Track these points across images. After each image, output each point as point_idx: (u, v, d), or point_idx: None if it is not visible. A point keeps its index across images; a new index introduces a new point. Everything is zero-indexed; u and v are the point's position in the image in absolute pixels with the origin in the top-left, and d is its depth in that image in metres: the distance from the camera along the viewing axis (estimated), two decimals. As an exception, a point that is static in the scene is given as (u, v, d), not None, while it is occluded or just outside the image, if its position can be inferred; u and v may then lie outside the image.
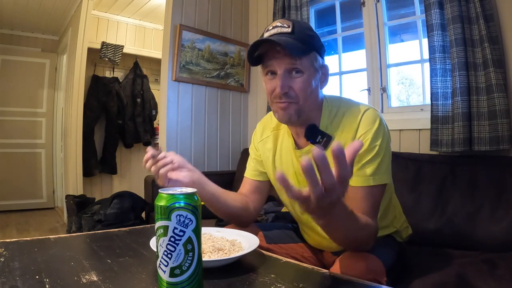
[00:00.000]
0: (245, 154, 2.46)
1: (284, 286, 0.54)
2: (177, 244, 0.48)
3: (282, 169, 0.97)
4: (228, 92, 2.63)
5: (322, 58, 0.89)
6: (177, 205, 0.48)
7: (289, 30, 0.81)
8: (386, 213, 0.96)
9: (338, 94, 2.27)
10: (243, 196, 1.01)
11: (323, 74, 0.89)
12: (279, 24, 0.83)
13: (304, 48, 0.81)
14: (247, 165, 1.07)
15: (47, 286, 0.52)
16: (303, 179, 0.93)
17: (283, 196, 1.02)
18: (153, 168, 0.79)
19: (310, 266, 0.64)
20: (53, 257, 0.67)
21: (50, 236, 0.81)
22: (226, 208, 0.92)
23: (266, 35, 0.83)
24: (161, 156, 0.79)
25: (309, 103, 0.85)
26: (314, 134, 0.87)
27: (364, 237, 0.76)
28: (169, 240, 0.48)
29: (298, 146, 0.93)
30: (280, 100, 0.84)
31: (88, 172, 3.55)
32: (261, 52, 0.84)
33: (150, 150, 0.80)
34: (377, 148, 0.82)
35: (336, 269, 0.73)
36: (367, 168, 0.81)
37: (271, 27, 0.83)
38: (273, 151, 1.00)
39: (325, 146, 0.87)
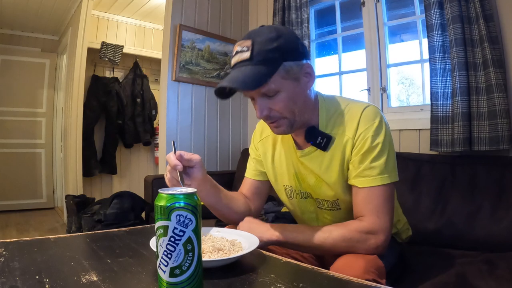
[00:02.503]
0: (245, 154, 2.46)
1: (284, 286, 0.54)
2: (177, 244, 0.48)
3: (282, 170, 0.97)
4: (228, 92, 2.62)
5: (299, 58, 0.80)
6: (177, 205, 0.48)
7: (248, 55, 0.76)
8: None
9: (338, 94, 2.27)
10: (244, 197, 1.01)
11: (306, 73, 0.82)
12: (239, 48, 0.78)
13: (266, 71, 0.75)
14: (248, 165, 1.07)
15: (47, 286, 0.52)
16: (303, 179, 0.94)
17: (283, 196, 1.02)
18: (169, 177, 0.77)
19: (310, 266, 0.64)
20: (53, 257, 0.67)
21: (50, 236, 0.81)
22: (233, 214, 0.94)
23: (232, 62, 0.81)
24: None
25: (299, 112, 0.83)
26: (314, 136, 0.87)
27: (356, 248, 0.77)
28: (169, 240, 0.48)
29: (298, 147, 0.93)
30: (267, 121, 0.84)
31: (88, 172, 3.55)
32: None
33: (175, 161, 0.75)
34: (380, 145, 0.81)
35: (335, 268, 0.73)
36: (373, 167, 0.81)
37: (234, 52, 0.80)
38: (272, 151, 0.99)
39: (326, 146, 0.86)
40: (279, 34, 0.78)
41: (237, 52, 0.79)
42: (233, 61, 0.80)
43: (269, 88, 0.77)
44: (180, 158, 0.75)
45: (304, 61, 0.82)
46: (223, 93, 0.84)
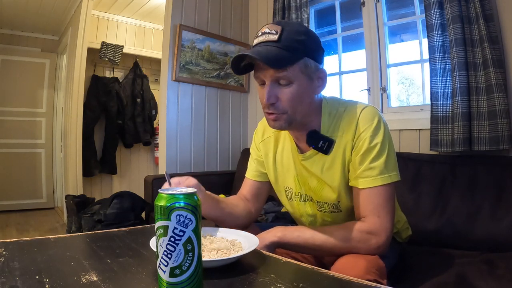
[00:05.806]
0: (245, 154, 2.46)
1: (284, 286, 0.54)
2: (177, 244, 0.48)
3: (283, 171, 0.97)
4: (228, 92, 2.63)
5: (319, 61, 0.83)
6: (177, 205, 0.48)
7: (276, 37, 0.77)
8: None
9: (338, 94, 2.27)
10: (242, 200, 1.01)
11: (319, 78, 0.84)
12: (267, 30, 0.80)
13: (290, 57, 0.77)
14: (248, 165, 1.07)
15: (47, 286, 0.52)
16: (304, 182, 0.94)
17: (283, 198, 1.02)
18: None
19: (310, 266, 0.64)
20: (53, 257, 0.67)
21: (50, 236, 0.81)
22: (235, 220, 0.94)
23: (255, 41, 0.82)
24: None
25: (300, 111, 0.83)
26: (316, 140, 0.86)
27: (358, 248, 0.77)
28: (169, 240, 0.48)
29: (300, 150, 0.92)
30: (268, 111, 0.83)
31: (88, 172, 3.55)
32: (248, 62, 0.83)
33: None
34: (378, 146, 0.81)
35: (336, 268, 0.73)
36: (373, 167, 0.81)
37: (260, 33, 0.81)
38: (273, 152, 0.99)
39: (328, 150, 0.86)
40: (308, 31, 0.82)
41: (264, 33, 0.80)
42: (258, 39, 0.81)
43: (286, 75, 0.78)
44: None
45: (321, 67, 0.84)
46: (238, 68, 0.84)
